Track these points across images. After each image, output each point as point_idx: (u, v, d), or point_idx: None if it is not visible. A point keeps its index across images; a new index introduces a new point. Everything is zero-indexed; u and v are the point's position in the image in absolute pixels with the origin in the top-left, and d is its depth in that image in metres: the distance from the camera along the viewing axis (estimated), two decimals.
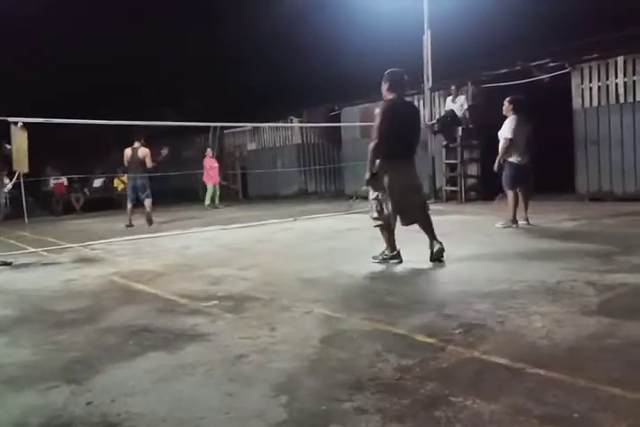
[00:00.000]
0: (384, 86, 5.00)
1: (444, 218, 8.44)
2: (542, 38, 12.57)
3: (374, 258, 5.07)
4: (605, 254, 4.89)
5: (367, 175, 4.87)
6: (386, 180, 4.80)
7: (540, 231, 6.61)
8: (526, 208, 7.24)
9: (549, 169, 12.27)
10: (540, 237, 6.20)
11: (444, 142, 12.41)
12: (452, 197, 12.25)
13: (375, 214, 4.96)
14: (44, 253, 7.15)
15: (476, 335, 2.91)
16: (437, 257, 4.91)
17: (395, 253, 5.02)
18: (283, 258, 5.90)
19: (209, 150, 14.85)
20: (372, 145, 4.82)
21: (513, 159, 7.09)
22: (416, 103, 13.46)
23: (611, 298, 3.51)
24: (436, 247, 4.91)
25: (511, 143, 6.95)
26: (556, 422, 1.96)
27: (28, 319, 3.87)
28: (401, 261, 4.99)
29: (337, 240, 6.70)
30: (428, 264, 4.91)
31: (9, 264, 6.27)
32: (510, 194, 7.17)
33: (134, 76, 21.06)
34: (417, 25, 12.45)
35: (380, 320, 3.27)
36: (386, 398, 2.22)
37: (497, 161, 7.11)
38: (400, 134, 4.82)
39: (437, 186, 12.81)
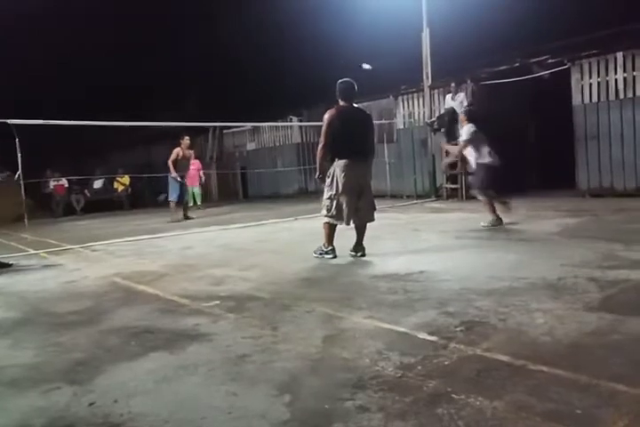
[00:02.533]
0: (336, 94, 5.47)
1: (445, 216, 8.46)
2: (541, 35, 12.57)
3: (314, 252, 5.50)
4: (607, 250, 4.88)
5: (316, 175, 5.49)
6: (337, 181, 5.22)
7: (541, 228, 6.60)
8: (494, 209, 7.29)
9: (550, 165, 12.30)
10: (540, 233, 6.20)
11: (444, 140, 12.40)
12: (452, 195, 12.24)
13: (324, 212, 5.37)
14: (45, 255, 7.15)
15: (477, 333, 2.90)
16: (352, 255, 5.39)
17: (330, 248, 5.40)
18: (283, 258, 5.90)
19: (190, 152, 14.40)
20: (319, 147, 5.32)
21: (485, 161, 7.31)
22: (416, 101, 13.51)
23: (613, 294, 3.50)
24: (359, 253, 5.38)
25: (468, 145, 7.31)
26: (559, 419, 1.95)
27: (29, 321, 3.87)
28: (334, 257, 5.37)
29: (337, 239, 6.68)
30: (428, 262, 4.91)
31: (10, 266, 6.27)
32: (482, 195, 7.34)
33: (134, 78, 21.07)
34: (416, 23, 12.44)
35: (382, 319, 3.27)
36: (388, 396, 2.22)
37: (451, 162, 7.52)
38: (349, 138, 5.21)
39: (438, 184, 12.81)
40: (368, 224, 5.49)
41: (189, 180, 13.15)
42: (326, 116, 5.30)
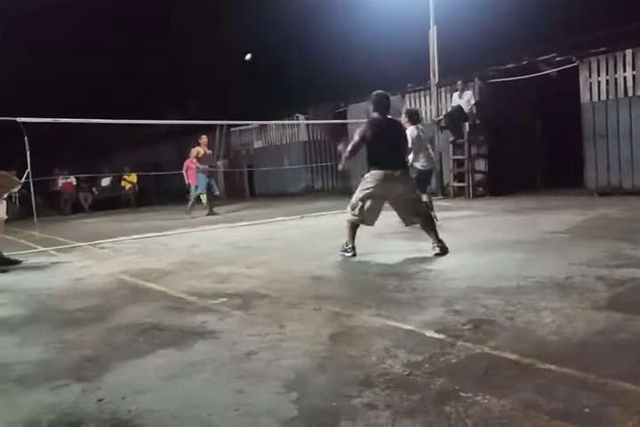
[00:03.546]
0: (370, 106, 5.63)
1: (452, 214, 8.43)
2: (549, 33, 12.48)
3: (340, 251, 5.54)
4: (615, 249, 4.86)
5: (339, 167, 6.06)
6: (368, 187, 5.32)
7: (548, 226, 6.57)
8: (432, 208, 7.52)
9: (558, 164, 12.25)
10: (548, 232, 6.17)
11: (451, 138, 12.38)
12: (459, 193, 12.21)
13: (349, 209, 5.49)
14: (54, 253, 7.19)
15: (485, 331, 2.90)
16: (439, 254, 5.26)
17: (350, 246, 5.46)
18: (290, 256, 5.91)
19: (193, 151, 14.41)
20: (348, 150, 5.46)
21: (418, 165, 7.61)
22: (423, 99, 13.48)
23: (621, 293, 3.49)
24: (436, 250, 5.26)
25: (412, 150, 7.42)
26: (567, 418, 1.95)
27: (37, 318, 3.90)
28: (354, 255, 5.40)
29: (344, 238, 6.68)
30: (436, 261, 4.91)
31: (18, 263, 6.31)
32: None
33: (137, 80, 21.13)
34: (423, 20, 12.41)
35: (389, 317, 3.26)
36: (395, 393, 2.21)
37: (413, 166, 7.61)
38: (382, 149, 5.34)
39: (445, 182, 12.77)
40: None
41: (192, 179, 13.21)
42: (360, 128, 5.46)
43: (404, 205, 5.42)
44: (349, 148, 5.44)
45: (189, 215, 11.43)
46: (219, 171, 18.19)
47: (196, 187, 12.70)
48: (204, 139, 11.91)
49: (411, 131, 7.49)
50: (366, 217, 5.39)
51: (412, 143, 7.32)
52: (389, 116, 5.60)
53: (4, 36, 17.48)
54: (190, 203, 11.99)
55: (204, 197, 13.75)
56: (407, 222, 5.57)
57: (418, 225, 5.49)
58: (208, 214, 11.60)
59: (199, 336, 3.15)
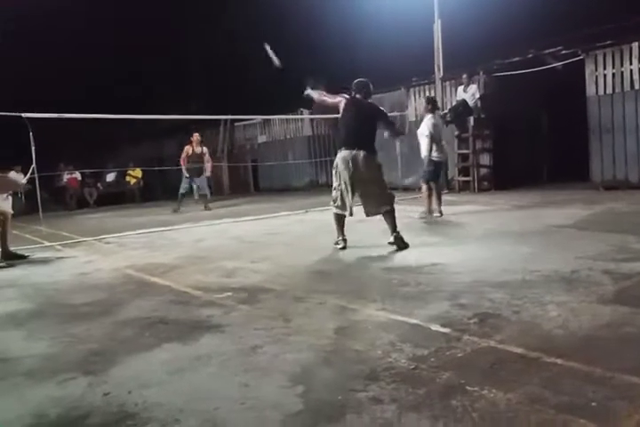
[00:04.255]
0: (352, 92, 5.57)
1: (458, 208, 8.41)
2: (555, 25, 12.39)
3: (334, 244, 5.54)
4: (621, 243, 4.84)
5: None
6: (337, 171, 5.34)
7: (554, 220, 6.54)
8: (440, 202, 7.64)
9: (563, 158, 12.19)
10: (554, 226, 6.14)
11: (456, 132, 12.32)
12: (464, 188, 12.16)
13: (332, 202, 5.50)
14: (59, 247, 7.21)
15: (491, 325, 2.89)
16: (397, 247, 5.26)
17: (340, 238, 5.49)
18: (295, 250, 5.91)
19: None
20: (318, 98, 5.60)
21: (434, 156, 7.51)
22: (427, 93, 13.41)
23: (627, 287, 3.48)
24: (390, 240, 5.29)
25: (431, 140, 7.35)
26: (573, 412, 1.94)
27: (44, 313, 3.92)
28: (344, 248, 5.42)
29: (348, 232, 6.67)
30: (441, 254, 4.90)
31: (25, 258, 6.34)
32: (425, 187, 7.57)
33: (137, 78, 21.13)
34: (427, 14, 12.33)
35: (395, 311, 3.27)
36: (401, 387, 2.22)
37: (426, 158, 7.50)
38: (350, 130, 5.33)
39: (450, 176, 12.73)
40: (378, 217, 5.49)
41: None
42: (342, 102, 5.41)
43: (370, 191, 5.34)
44: (319, 95, 5.53)
45: (177, 212, 11.40)
46: (222, 166, 18.20)
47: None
48: (195, 137, 11.87)
49: (428, 119, 7.41)
50: (344, 205, 5.35)
51: (430, 132, 7.25)
52: (370, 101, 5.58)
53: (5, 36, 17.50)
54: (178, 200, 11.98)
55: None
56: (370, 213, 5.43)
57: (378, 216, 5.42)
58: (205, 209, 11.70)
59: (205, 330, 3.16)
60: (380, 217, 5.46)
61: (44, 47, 19.82)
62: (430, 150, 7.42)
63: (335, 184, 5.43)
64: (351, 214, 5.40)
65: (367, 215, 5.49)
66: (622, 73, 10.04)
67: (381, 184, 5.49)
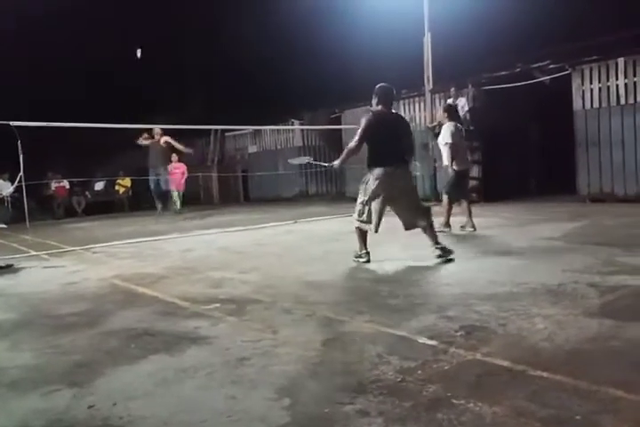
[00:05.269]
0: (374, 100, 5.32)
1: None
2: (542, 40, 12.58)
3: (354, 257, 5.38)
4: (607, 256, 4.89)
5: (333, 163, 5.58)
6: (370, 188, 5.12)
7: (542, 233, 6.60)
8: (470, 214, 7.23)
9: (551, 171, 12.32)
10: (541, 238, 6.19)
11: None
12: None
13: (356, 216, 5.31)
14: (46, 257, 7.15)
15: (477, 337, 2.90)
16: (443, 260, 5.10)
17: (363, 252, 5.32)
18: (284, 261, 5.90)
19: (174, 156, 13.88)
20: (351, 145, 5.21)
21: (458, 167, 7.18)
22: (417, 106, 13.52)
23: (613, 300, 3.50)
24: (436, 253, 5.13)
25: (453, 148, 7.06)
26: (559, 425, 1.95)
27: (29, 323, 3.87)
28: (368, 261, 5.25)
29: (338, 243, 6.69)
30: (430, 266, 4.92)
31: (10, 267, 6.27)
32: (446, 199, 7.29)
33: (134, 82, 21.12)
34: (417, 27, 12.47)
35: (382, 323, 3.27)
36: (388, 400, 2.21)
37: (450, 167, 7.15)
38: (384, 145, 5.12)
39: (438, 187, 12.80)
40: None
41: (174, 184, 13.23)
42: (363, 120, 5.18)
43: (407, 205, 5.21)
44: (354, 142, 5.15)
45: (159, 219, 11.59)
46: (212, 176, 18.22)
47: (178, 192, 13.05)
48: (156, 129, 12.12)
49: (447, 127, 7.11)
50: (369, 221, 5.17)
51: (453, 139, 6.96)
52: (394, 111, 5.42)
53: (5, 35, 17.47)
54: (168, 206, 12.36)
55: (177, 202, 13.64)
56: (409, 226, 5.30)
57: (419, 229, 5.28)
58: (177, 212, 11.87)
59: (192, 342, 3.14)
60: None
61: (43, 47, 19.80)
62: (452, 160, 7.06)
63: (363, 199, 5.18)
64: (376, 231, 5.23)
65: (406, 229, 5.35)
66: (608, 88, 10.20)
67: (417, 197, 5.47)
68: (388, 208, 5.24)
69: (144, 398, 2.41)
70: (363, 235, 5.33)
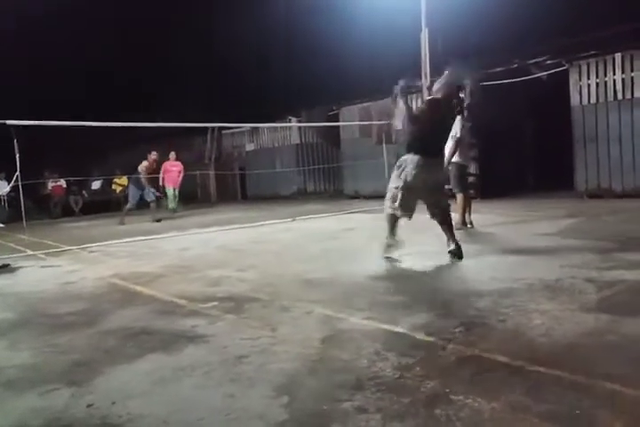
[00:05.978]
0: (436, 85, 5.21)
1: None
2: (539, 36, 12.57)
3: (384, 250, 5.19)
4: (604, 251, 4.89)
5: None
6: (407, 174, 4.93)
7: (539, 229, 6.60)
8: (469, 211, 7.18)
9: (548, 166, 12.32)
10: (539, 234, 6.20)
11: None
12: (452, 196, 12.22)
13: (389, 203, 5.10)
14: (43, 256, 7.14)
15: (476, 334, 2.91)
16: (453, 256, 5.05)
17: (393, 241, 5.16)
18: (282, 259, 5.90)
19: (172, 154, 13.97)
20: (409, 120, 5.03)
21: (459, 160, 7.05)
22: (414, 102, 13.50)
23: (610, 295, 3.51)
24: (451, 247, 5.07)
25: (460, 143, 6.95)
26: (556, 420, 1.95)
27: (27, 322, 3.87)
28: (397, 249, 5.15)
29: (336, 240, 6.69)
30: (428, 263, 4.92)
31: (7, 267, 6.26)
32: (460, 196, 7.12)
33: (130, 81, 21.11)
34: (414, 23, 12.44)
35: (381, 319, 3.27)
36: (386, 397, 2.22)
37: (448, 161, 6.87)
38: (432, 136, 4.99)
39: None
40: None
41: (171, 181, 13.23)
42: (427, 106, 5.09)
43: (432, 195, 5.08)
44: (412, 120, 4.99)
45: (123, 223, 11.53)
46: (209, 174, 18.23)
47: (174, 190, 13.18)
48: (153, 155, 12.56)
49: (458, 121, 6.81)
50: (406, 208, 4.97)
51: (457, 135, 6.83)
52: (461, 95, 5.27)
53: (5, 35, 17.43)
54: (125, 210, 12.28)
55: (173, 201, 13.61)
56: (434, 216, 5.17)
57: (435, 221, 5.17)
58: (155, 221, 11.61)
59: (189, 340, 3.14)
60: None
61: (43, 47, 19.78)
62: (453, 153, 6.89)
63: (398, 184, 4.97)
64: (410, 218, 5.09)
65: (432, 217, 5.20)
66: (606, 83, 10.20)
67: (443, 190, 5.42)
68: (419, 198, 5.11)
69: (142, 396, 2.41)
70: (394, 222, 5.13)
